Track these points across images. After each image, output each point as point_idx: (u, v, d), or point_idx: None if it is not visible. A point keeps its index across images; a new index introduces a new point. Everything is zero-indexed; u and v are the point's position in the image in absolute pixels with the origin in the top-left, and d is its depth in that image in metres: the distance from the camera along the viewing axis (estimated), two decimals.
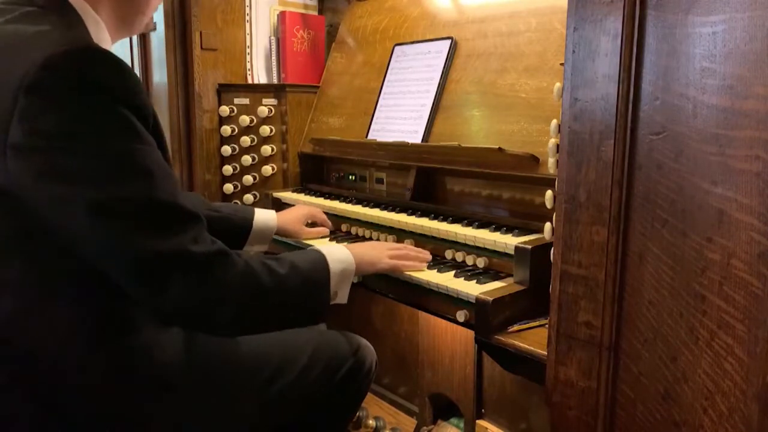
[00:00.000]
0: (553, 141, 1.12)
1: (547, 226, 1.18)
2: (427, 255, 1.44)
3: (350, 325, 1.88)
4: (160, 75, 2.13)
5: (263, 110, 2.07)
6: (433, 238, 1.50)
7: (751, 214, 0.71)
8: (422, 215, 1.61)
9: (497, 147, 1.42)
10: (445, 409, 1.90)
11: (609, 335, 0.90)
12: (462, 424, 1.83)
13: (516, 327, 1.20)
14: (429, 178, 1.74)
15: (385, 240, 1.63)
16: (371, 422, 2.00)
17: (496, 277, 1.33)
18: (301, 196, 1.96)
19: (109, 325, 0.99)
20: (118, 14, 1.07)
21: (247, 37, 2.20)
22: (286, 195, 2.01)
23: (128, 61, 2.36)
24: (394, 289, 1.42)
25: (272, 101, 2.11)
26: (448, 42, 1.75)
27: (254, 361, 1.20)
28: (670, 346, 0.82)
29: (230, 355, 1.18)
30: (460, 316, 1.25)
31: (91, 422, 0.98)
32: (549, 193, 1.15)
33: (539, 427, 1.65)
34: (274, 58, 2.25)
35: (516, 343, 1.14)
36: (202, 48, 2.05)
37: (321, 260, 1.16)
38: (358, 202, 1.82)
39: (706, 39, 0.74)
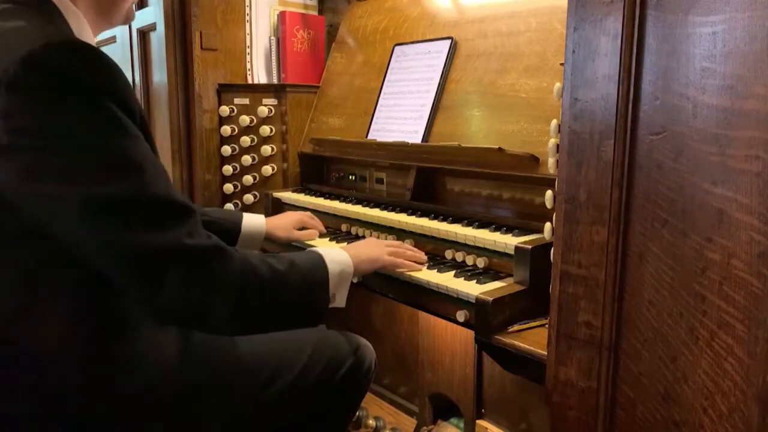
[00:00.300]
0: (553, 141, 1.12)
1: (547, 226, 1.18)
2: (422, 256, 1.44)
3: (350, 325, 1.88)
4: (160, 75, 2.13)
5: (263, 110, 2.07)
6: (433, 238, 1.50)
7: (751, 214, 0.70)
8: (422, 215, 1.61)
9: (497, 147, 1.42)
10: (445, 409, 1.90)
11: (609, 335, 0.90)
12: (462, 424, 1.82)
13: (516, 327, 1.20)
14: (429, 178, 1.74)
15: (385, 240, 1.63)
16: (371, 422, 2.00)
17: (496, 277, 1.33)
18: (301, 196, 1.96)
19: (108, 325, 0.99)
20: (96, 5, 1.04)
21: (247, 37, 2.20)
22: (286, 195, 2.01)
23: (128, 61, 2.36)
24: (394, 289, 1.42)
25: (272, 101, 2.11)
26: (448, 42, 1.75)
27: (253, 361, 1.20)
28: (670, 346, 0.82)
29: (229, 355, 1.18)
30: (460, 316, 1.25)
31: (91, 422, 0.98)
32: (549, 193, 1.15)
33: (539, 427, 1.65)
34: (274, 58, 2.25)
35: (516, 343, 1.14)
36: (202, 48, 2.05)
37: (319, 260, 1.16)
38: (358, 202, 1.82)
39: (706, 39, 0.74)
